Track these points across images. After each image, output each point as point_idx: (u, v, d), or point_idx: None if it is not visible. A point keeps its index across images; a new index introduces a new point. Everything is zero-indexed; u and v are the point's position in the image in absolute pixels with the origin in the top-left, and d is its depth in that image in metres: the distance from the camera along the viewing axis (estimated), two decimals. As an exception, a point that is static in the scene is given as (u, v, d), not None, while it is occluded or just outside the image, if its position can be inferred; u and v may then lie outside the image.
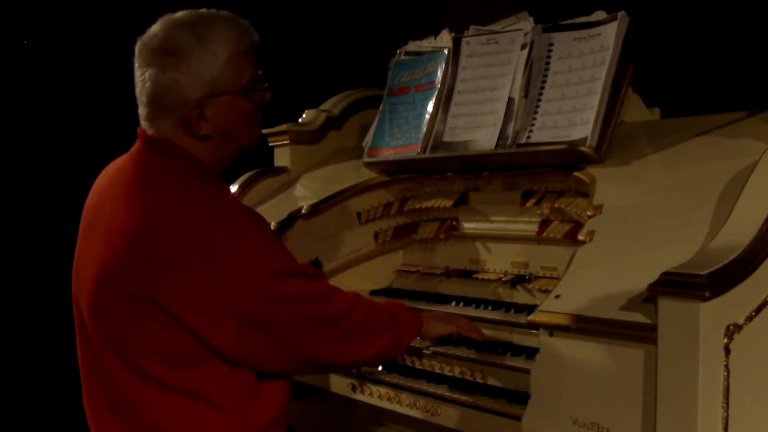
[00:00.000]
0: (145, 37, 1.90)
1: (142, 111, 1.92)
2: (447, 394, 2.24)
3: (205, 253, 1.77)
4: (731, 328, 1.61)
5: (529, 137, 2.40)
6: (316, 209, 2.86)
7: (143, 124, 1.94)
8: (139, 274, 1.80)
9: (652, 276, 1.65)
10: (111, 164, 2.03)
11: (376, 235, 2.94)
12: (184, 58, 1.83)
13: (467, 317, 2.45)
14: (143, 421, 1.87)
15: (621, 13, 2.35)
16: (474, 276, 2.64)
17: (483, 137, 2.52)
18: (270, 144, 3.36)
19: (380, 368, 2.47)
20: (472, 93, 2.62)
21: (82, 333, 1.99)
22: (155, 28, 1.89)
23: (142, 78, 1.88)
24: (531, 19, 2.60)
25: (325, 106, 3.40)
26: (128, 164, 1.95)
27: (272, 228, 2.79)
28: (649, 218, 2.00)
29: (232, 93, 1.87)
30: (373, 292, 2.85)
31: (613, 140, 2.31)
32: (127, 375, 1.86)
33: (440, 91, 2.70)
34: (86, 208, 2.02)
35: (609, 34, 2.34)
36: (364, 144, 2.92)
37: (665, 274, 1.63)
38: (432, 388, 2.29)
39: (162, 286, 1.79)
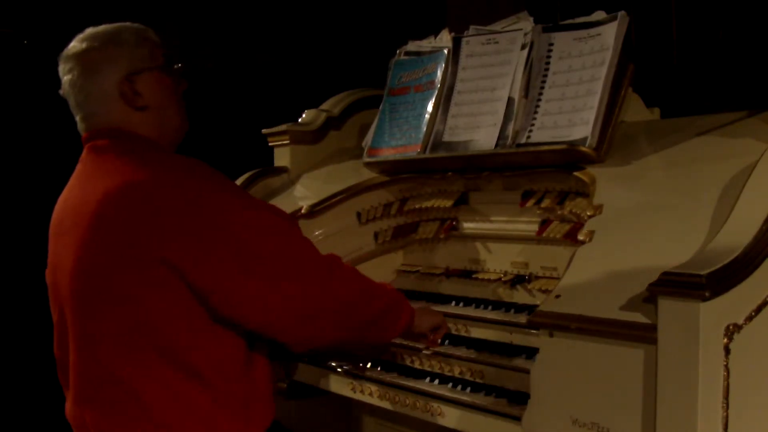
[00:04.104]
0: (65, 50, 2.11)
1: (81, 115, 2.09)
2: (447, 394, 2.24)
3: (181, 201, 1.89)
4: (731, 328, 1.61)
5: (529, 137, 2.40)
6: (315, 209, 2.86)
7: (85, 125, 2.09)
8: (117, 239, 1.90)
9: (652, 276, 1.65)
10: (67, 183, 2.15)
11: (376, 235, 2.94)
12: (103, 49, 2.07)
13: (467, 317, 2.46)
14: (141, 407, 1.91)
15: (621, 13, 2.35)
16: (474, 276, 2.64)
17: (483, 137, 2.52)
18: (270, 144, 3.36)
19: (380, 368, 2.47)
20: (472, 93, 2.62)
21: (66, 337, 2.02)
22: (72, 43, 2.10)
23: (71, 84, 2.07)
24: (531, 19, 2.60)
25: (325, 106, 3.40)
26: (81, 167, 2.10)
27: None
28: (649, 218, 2.00)
29: (153, 68, 2.09)
30: (373, 292, 2.85)
31: (613, 140, 2.31)
32: (124, 359, 1.91)
33: (440, 91, 2.70)
34: (51, 224, 2.13)
35: (609, 34, 2.34)
36: (364, 144, 2.92)
37: (665, 274, 1.63)
38: (432, 388, 2.29)
39: (146, 241, 1.87)
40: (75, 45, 2.08)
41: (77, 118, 2.10)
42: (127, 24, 2.13)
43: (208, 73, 4.39)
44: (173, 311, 1.89)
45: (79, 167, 2.11)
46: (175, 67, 2.16)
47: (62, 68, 2.10)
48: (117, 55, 2.05)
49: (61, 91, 2.12)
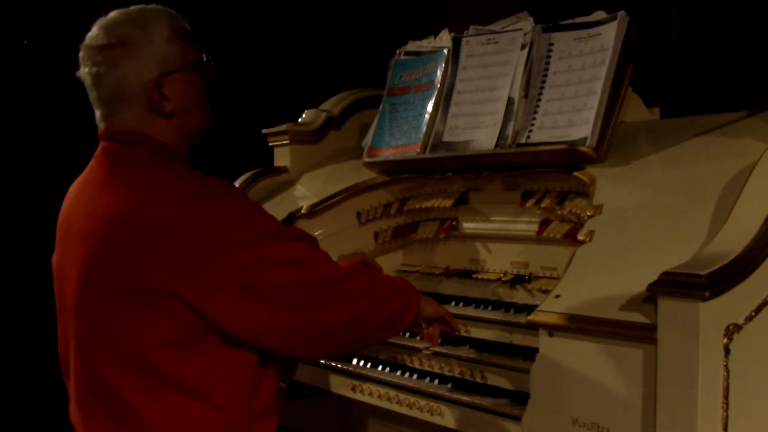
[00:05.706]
0: (87, 40, 1.97)
1: (101, 112, 1.99)
2: (447, 394, 2.24)
3: (190, 230, 1.80)
4: (731, 328, 1.61)
5: (528, 137, 2.41)
6: (315, 209, 2.86)
7: (104, 124, 1.99)
8: (124, 263, 1.83)
9: (652, 276, 1.65)
10: (79, 176, 2.06)
11: (376, 235, 2.94)
12: (132, 46, 1.93)
13: (467, 317, 2.46)
14: (140, 424, 1.87)
15: (621, 13, 2.35)
16: (474, 276, 2.64)
17: (483, 137, 2.52)
18: (270, 144, 3.37)
19: (380, 368, 2.47)
20: (471, 93, 2.62)
21: (69, 344, 1.99)
22: (95, 31, 1.97)
23: (94, 78, 1.95)
24: (531, 19, 2.60)
25: (325, 106, 3.40)
26: (95, 166, 2.00)
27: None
28: (649, 218, 2.00)
29: (183, 69, 1.98)
30: (373, 292, 2.85)
31: (613, 140, 2.31)
32: (124, 377, 1.86)
33: (440, 91, 2.70)
34: (60, 222, 2.06)
35: (609, 34, 2.34)
36: (364, 144, 2.92)
37: (665, 274, 1.63)
38: (432, 388, 2.29)
39: (152, 271, 1.80)
40: (99, 34, 1.94)
41: (96, 113, 1.99)
42: (159, 10, 1.99)
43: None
44: (177, 337, 1.84)
45: (92, 164, 2.01)
46: (205, 61, 2.04)
47: (84, 57, 1.96)
48: (147, 53, 1.93)
49: (78, 74, 1.99)
